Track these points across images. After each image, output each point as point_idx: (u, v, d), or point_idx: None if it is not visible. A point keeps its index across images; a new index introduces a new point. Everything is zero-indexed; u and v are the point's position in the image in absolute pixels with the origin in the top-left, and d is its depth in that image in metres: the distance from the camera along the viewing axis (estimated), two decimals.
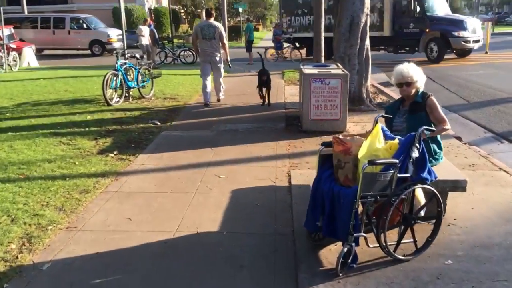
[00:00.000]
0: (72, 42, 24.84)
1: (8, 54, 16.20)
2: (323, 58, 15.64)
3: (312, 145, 6.10)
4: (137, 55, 9.77)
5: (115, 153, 5.80)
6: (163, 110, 8.62)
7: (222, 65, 9.07)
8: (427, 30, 16.44)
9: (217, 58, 8.82)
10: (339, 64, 7.67)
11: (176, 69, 16.26)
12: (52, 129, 7.02)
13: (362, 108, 8.22)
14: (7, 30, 19.86)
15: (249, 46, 18.50)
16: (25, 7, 35.05)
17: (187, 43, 20.00)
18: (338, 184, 3.18)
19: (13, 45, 17.33)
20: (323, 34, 15.57)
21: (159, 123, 7.48)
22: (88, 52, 24.56)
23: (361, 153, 3.03)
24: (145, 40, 16.88)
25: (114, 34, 25.27)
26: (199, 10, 44.10)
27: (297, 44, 19.76)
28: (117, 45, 24.25)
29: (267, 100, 8.80)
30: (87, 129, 7.09)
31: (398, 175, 2.98)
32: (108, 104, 8.78)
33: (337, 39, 8.57)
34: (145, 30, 17.01)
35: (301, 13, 20.01)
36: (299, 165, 5.31)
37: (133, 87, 9.58)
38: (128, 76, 9.47)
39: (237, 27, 39.57)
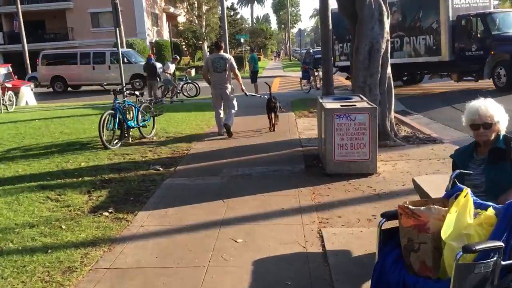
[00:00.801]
0: (113, 77, 23.29)
1: (3, 94, 15.54)
2: (333, 87, 14.96)
3: (340, 193, 5.21)
4: (137, 92, 9.01)
5: (110, 210, 4.92)
6: (166, 151, 7.79)
7: (234, 98, 9.00)
8: (493, 52, 13.64)
9: (228, 91, 8.78)
10: (362, 96, 6.85)
11: (179, 103, 15.53)
12: (41, 181, 6.16)
13: (388, 144, 7.35)
14: (4, 69, 19.36)
15: (253, 77, 17.85)
16: (25, 45, 34.95)
17: (190, 76, 19.40)
18: (411, 272, 2.28)
19: (8, 85, 16.68)
20: (331, 59, 14.91)
21: (161, 169, 6.63)
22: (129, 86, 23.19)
23: (446, 231, 2.14)
24: (170, 76, 17.11)
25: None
26: (200, 42, 43.99)
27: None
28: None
29: (273, 126, 9.22)
30: (80, 179, 6.23)
31: (502, 262, 2.09)
32: (106, 148, 7.96)
33: (356, 67, 7.79)
34: (172, 67, 17.21)
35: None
36: (330, 221, 4.41)
37: (133, 127, 8.78)
38: (127, 116, 8.69)
39: (239, 58, 39.25)
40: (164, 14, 46.42)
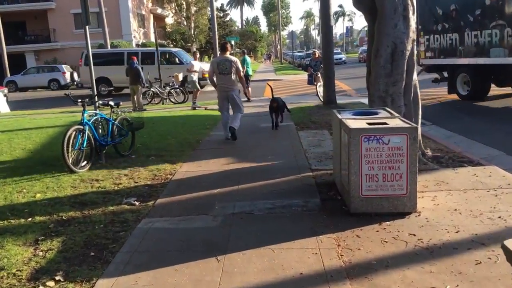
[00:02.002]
0: (163, 79, 20.73)
1: None
2: (335, 94, 13.65)
3: (375, 245, 3.84)
4: (111, 103, 7.56)
5: (57, 278, 3.50)
6: (145, 176, 6.37)
7: (240, 100, 8.94)
8: None
9: (235, 93, 8.75)
10: (390, 110, 5.50)
11: (165, 112, 14.09)
12: None
13: (419, 168, 6.01)
14: None
15: (245, 81, 16.45)
16: (4, 46, 33.22)
17: (177, 80, 17.95)
18: None
19: None
20: (333, 63, 13.58)
21: (137, 203, 5.21)
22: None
23: None
24: (196, 76, 15.23)
25: (207, 68, 23.11)
26: (189, 44, 42.50)
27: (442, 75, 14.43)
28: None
29: (276, 124, 9.68)
30: (29, 219, 4.79)
31: None
32: (71, 171, 6.53)
33: (375, 73, 6.44)
34: (196, 65, 15.33)
35: (441, 30, 13.53)
36: None
37: (107, 145, 7.34)
38: (99, 131, 7.26)
39: None
40: (152, 15, 44.91)
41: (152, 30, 43.49)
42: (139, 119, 8.32)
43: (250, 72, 18.47)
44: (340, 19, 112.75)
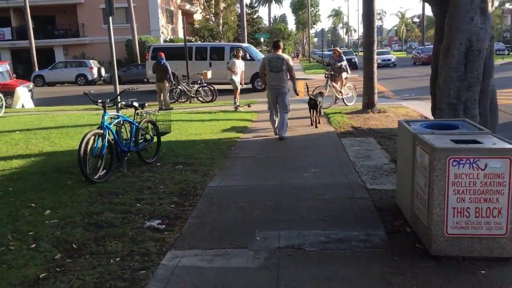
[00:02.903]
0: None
1: None
2: (376, 96, 12.56)
3: None
4: (136, 103, 6.74)
5: None
6: (172, 189, 5.52)
7: (288, 100, 8.67)
8: None
9: (284, 90, 8.51)
10: (471, 122, 4.48)
11: (192, 111, 13.26)
12: None
13: None
14: (1, 67, 17.38)
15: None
16: (33, 40, 33.15)
17: (206, 78, 17.13)
18: None
19: None
20: (375, 62, 12.48)
21: (161, 227, 4.36)
22: (249, 86, 20.35)
23: None
24: (238, 77, 13.83)
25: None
26: (217, 41, 41.77)
27: None
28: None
29: (315, 123, 9.85)
30: (32, 247, 3.98)
31: None
32: (90, 181, 5.73)
33: (445, 76, 5.42)
34: (239, 65, 13.86)
35: None
36: None
37: (129, 151, 6.53)
38: (121, 135, 6.45)
39: None
40: (180, 11, 44.38)
41: (180, 25, 43.04)
42: (166, 122, 7.48)
43: None
44: None
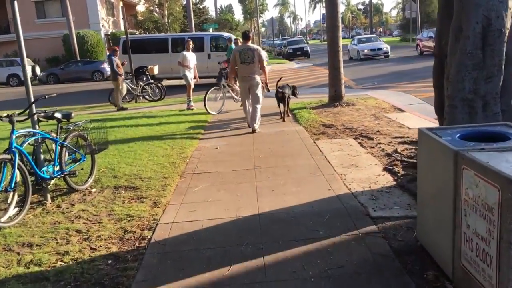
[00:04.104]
0: (213, 68, 17.51)
1: None
2: (343, 88, 11.44)
3: None
4: (58, 114, 5.17)
5: None
6: (110, 231, 4.06)
7: (261, 91, 8.51)
8: None
9: (256, 82, 8.32)
10: None
11: (138, 114, 11.62)
12: None
13: None
14: None
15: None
16: None
17: (152, 73, 15.48)
18: None
19: None
20: (341, 50, 11.30)
21: None
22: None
23: None
24: (191, 72, 12.11)
25: (264, 56, 20.00)
26: (163, 33, 39.63)
27: None
28: (267, 69, 18.92)
29: (283, 115, 9.40)
30: None
31: None
32: None
33: (458, 64, 4.25)
34: (190, 58, 12.07)
35: None
36: None
37: (53, 177, 4.97)
38: (40, 158, 4.88)
39: None
40: (121, 3, 41.76)
41: (122, 18, 40.50)
42: (102, 135, 5.92)
43: None
44: (318, 5, 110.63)
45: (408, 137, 7.06)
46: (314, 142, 7.14)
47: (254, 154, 6.63)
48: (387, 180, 5.00)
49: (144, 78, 15.20)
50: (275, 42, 46.26)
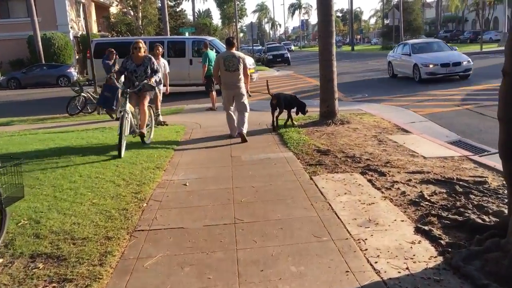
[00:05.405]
0: (194, 76, 16.08)
1: None
2: (337, 102, 9.93)
3: None
4: None
5: None
6: None
7: (246, 99, 8.19)
8: None
9: (242, 91, 8.06)
10: None
11: (94, 130, 9.83)
12: None
13: None
14: None
15: (209, 83, 12.46)
16: None
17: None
18: None
19: None
20: (334, 59, 9.75)
21: None
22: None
23: None
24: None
25: (251, 62, 18.56)
26: (136, 37, 37.70)
27: None
28: (255, 76, 17.85)
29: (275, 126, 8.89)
30: None
31: None
32: None
33: None
34: (161, 65, 10.32)
35: None
36: None
37: None
38: None
39: None
40: (93, 4, 39.66)
41: (94, 19, 38.39)
42: (15, 181, 4.14)
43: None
44: (296, 11, 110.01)
45: (428, 171, 5.58)
46: (311, 177, 5.57)
47: (234, 197, 5.02)
48: (427, 252, 3.46)
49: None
50: (254, 48, 44.76)
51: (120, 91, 7.30)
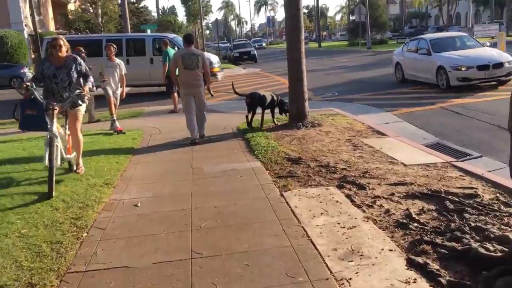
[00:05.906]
0: (156, 75, 14.58)
1: None
2: (307, 104, 9.29)
3: None
4: None
5: None
6: None
7: (204, 97, 7.99)
8: None
9: (202, 89, 7.86)
10: None
11: (34, 140, 8.82)
12: None
13: None
14: None
15: (170, 83, 11.59)
16: None
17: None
18: None
19: None
20: (303, 57, 9.08)
21: None
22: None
23: None
24: (112, 86, 9.58)
25: (216, 61, 17.45)
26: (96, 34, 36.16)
27: None
28: (219, 75, 17.25)
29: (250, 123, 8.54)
30: None
31: None
32: None
33: None
34: (116, 65, 9.58)
35: None
36: None
37: None
38: None
39: None
40: (49, 0, 37.81)
41: (51, 17, 36.60)
42: None
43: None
44: (262, 8, 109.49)
45: (411, 182, 4.99)
46: (281, 194, 4.88)
47: (192, 221, 4.27)
48: None
49: None
50: (221, 45, 43.88)
51: (44, 105, 5.39)
